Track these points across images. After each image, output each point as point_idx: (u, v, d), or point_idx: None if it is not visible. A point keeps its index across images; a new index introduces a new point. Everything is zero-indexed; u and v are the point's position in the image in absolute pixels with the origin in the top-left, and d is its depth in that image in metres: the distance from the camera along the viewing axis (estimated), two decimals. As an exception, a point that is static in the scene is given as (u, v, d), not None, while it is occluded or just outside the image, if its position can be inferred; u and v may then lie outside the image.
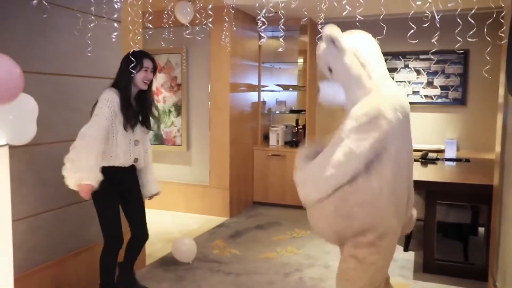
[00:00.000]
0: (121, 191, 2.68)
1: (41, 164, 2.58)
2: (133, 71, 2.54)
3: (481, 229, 3.94)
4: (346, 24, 2.14)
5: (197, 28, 3.13)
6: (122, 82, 2.60)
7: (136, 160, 2.69)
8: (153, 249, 3.85)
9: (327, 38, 2.01)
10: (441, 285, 3.16)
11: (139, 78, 2.61)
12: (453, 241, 3.95)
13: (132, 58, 2.51)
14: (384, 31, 2.22)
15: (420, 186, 3.38)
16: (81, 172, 2.37)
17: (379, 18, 2.26)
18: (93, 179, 2.38)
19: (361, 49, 2.02)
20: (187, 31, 3.00)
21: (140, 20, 3.22)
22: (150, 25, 2.74)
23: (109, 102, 2.50)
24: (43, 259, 2.62)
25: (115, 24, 2.86)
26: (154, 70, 2.69)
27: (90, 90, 2.90)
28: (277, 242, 4.09)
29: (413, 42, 2.29)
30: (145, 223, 2.84)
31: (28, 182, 2.51)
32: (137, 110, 2.67)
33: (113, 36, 2.76)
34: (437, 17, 2.07)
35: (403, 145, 2.03)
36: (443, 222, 3.66)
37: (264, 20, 2.32)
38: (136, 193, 2.79)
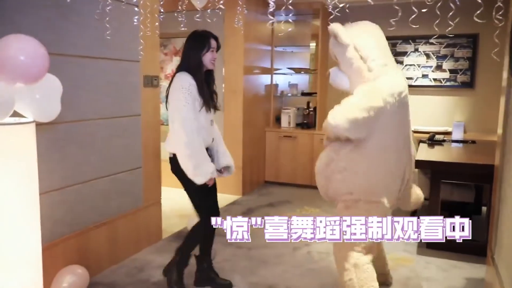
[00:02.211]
0: None
1: (64, 141, 2.74)
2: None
3: (484, 208, 4.04)
4: (356, 9, 2.25)
5: (209, 11, 3.24)
6: (194, 65, 2.58)
7: (212, 140, 2.77)
8: (169, 224, 4.05)
9: (331, 34, 2.28)
10: (443, 260, 3.30)
11: (208, 59, 2.61)
12: (458, 219, 4.06)
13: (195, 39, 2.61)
14: (399, 14, 2.30)
15: (425, 165, 3.51)
16: (204, 174, 2.49)
17: (390, 2, 2.34)
18: (212, 171, 2.54)
19: (361, 43, 2.24)
20: (198, 15, 3.11)
21: (155, 6, 3.34)
22: (162, 10, 2.85)
23: (188, 89, 2.49)
24: (67, 230, 2.80)
25: (136, 8, 2.99)
26: (218, 49, 2.69)
27: (110, 72, 3.05)
28: (287, 220, 4.24)
29: (415, 26, 2.38)
30: (217, 204, 2.87)
31: (53, 158, 2.67)
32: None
33: (135, 20, 2.88)
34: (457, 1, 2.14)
35: (398, 127, 2.27)
36: (447, 201, 3.77)
37: (273, 3, 2.41)
38: None
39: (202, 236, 2.79)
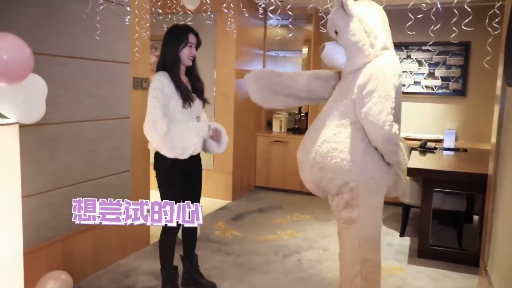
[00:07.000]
0: (185, 172, 2.63)
1: (50, 143, 2.67)
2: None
3: (476, 217, 4.03)
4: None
5: (204, 14, 3.19)
6: (169, 62, 2.51)
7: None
8: (158, 229, 3.95)
9: (338, 1, 2.14)
10: (434, 269, 3.26)
11: (185, 55, 2.53)
12: (448, 228, 4.05)
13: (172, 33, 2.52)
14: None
15: (417, 173, 3.48)
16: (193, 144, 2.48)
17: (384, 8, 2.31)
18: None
19: (367, 16, 2.13)
20: (190, 18, 3.07)
21: (147, 6, 3.28)
22: (154, 9, 2.80)
23: (159, 89, 2.42)
24: (52, 234, 2.73)
25: (128, 8, 2.93)
26: (198, 46, 2.60)
27: (98, 73, 2.98)
28: (277, 225, 4.19)
29: (411, 33, 2.35)
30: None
31: (38, 160, 2.60)
32: (190, 86, 2.63)
33: (126, 20, 2.81)
34: (440, 8, 2.13)
35: (398, 109, 2.13)
36: (439, 210, 3.75)
37: (262, 8, 2.37)
38: (197, 176, 2.76)
39: (168, 243, 2.70)
